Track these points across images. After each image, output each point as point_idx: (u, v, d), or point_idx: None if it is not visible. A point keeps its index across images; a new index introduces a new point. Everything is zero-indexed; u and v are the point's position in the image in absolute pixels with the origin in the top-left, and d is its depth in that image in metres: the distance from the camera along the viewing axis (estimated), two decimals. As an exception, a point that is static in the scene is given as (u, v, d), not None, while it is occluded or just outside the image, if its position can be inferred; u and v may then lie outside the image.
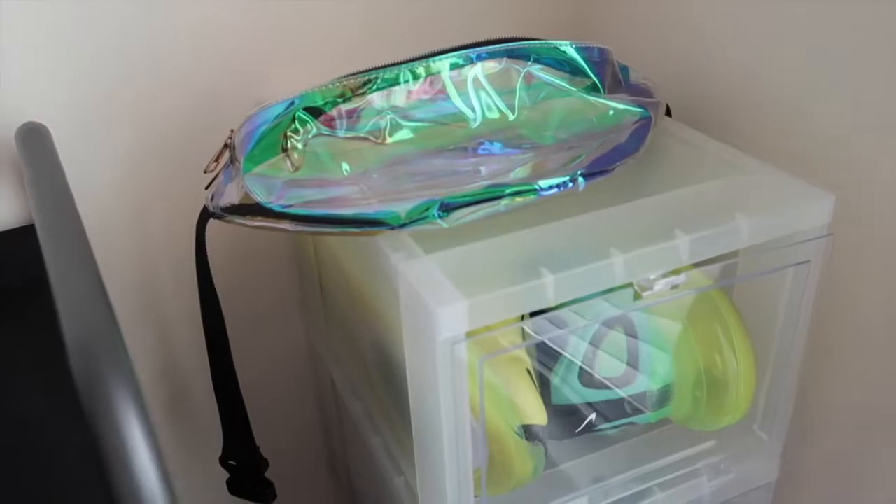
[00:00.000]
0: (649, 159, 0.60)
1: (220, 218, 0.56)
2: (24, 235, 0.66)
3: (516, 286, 0.46)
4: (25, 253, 0.63)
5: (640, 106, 0.59)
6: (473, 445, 0.51)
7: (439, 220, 0.50)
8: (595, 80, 0.59)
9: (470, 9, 0.78)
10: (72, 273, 0.41)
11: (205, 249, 0.61)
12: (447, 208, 0.50)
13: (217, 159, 0.58)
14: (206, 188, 0.58)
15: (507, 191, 0.50)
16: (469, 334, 0.46)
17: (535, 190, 0.50)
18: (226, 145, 0.58)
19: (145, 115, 0.69)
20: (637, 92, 0.63)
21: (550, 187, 0.51)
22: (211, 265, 0.62)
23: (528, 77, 0.58)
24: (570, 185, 0.51)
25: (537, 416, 0.54)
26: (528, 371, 0.55)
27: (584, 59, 0.59)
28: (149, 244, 0.74)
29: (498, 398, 0.53)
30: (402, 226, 0.50)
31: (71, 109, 0.66)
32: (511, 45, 0.58)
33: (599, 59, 0.60)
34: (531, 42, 0.58)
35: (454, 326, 0.45)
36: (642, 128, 0.58)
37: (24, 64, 0.63)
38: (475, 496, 0.52)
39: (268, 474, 0.73)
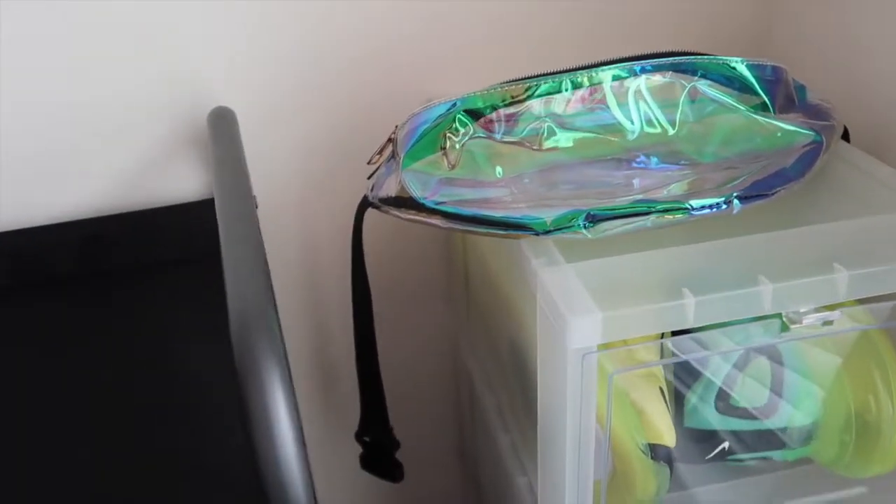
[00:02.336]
0: (817, 185, 0.57)
1: (377, 208, 0.59)
2: (207, 208, 0.73)
3: (655, 304, 0.45)
4: (208, 224, 0.70)
5: (811, 129, 0.56)
6: (597, 457, 0.51)
7: (584, 231, 0.50)
8: (765, 98, 0.57)
9: (642, 17, 0.77)
10: (239, 250, 0.45)
11: (360, 235, 0.65)
12: (593, 219, 0.50)
13: (381, 152, 0.61)
14: (368, 178, 0.61)
15: (657, 207, 0.49)
16: (603, 346, 0.46)
17: (687, 209, 0.50)
18: (389, 139, 0.60)
19: (321, 106, 0.73)
20: (812, 113, 0.60)
21: (703, 207, 0.50)
22: (366, 252, 0.65)
23: (693, 92, 0.57)
24: (724, 206, 0.50)
25: (665, 436, 0.53)
26: (662, 390, 0.55)
27: (754, 77, 0.57)
28: (312, 226, 0.79)
29: (627, 413, 0.53)
30: (547, 232, 0.50)
31: (258, 98, 0.71)
32: (678, 59, 0.57)
33: (772, 78, 0.58)
34: (700, 57, 0.57)
35: (587, 337, 0.45)
36: (811, 152, 0.55)
37: (224, 53, 0.69)
38: (594, 507, 0.53)
39: (400, 456, 0.76)
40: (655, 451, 0.53)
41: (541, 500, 0.57)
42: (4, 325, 0.66)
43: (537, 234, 0.50)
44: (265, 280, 0.43)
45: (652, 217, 0.50)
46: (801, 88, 0.62)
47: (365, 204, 0.61)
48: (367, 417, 0.75)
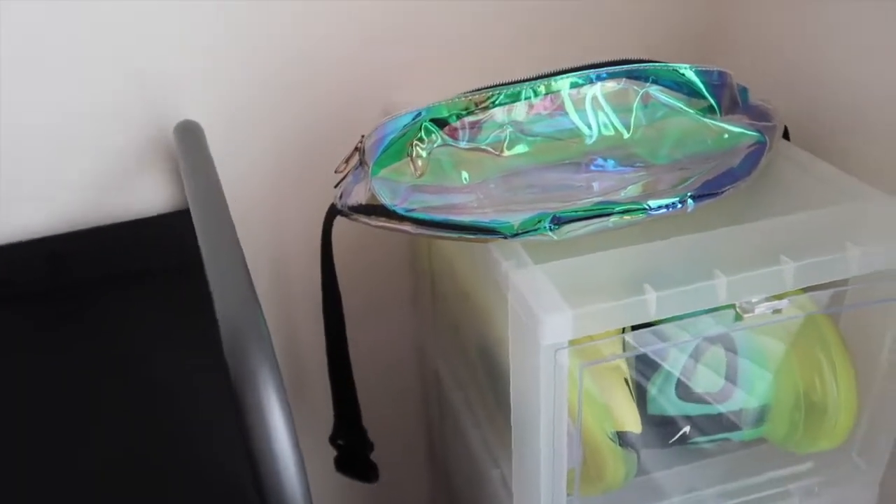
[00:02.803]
0: (762, 183, 0.61)
1: (346, 216, 0.61)
2: (177, 219, 0.73)
3: (620, 300, 0.48)
4: (179, 235, 0.70)
5: (755, 130, 0.60)
6: (569, 447, 0.53)
7: (550, 233, 0.53)
8: (712, 102, 0.61)
9: (601, 29, 0.81)
10: (222, 259, 0.47)
11: (330, 242, 0.66)
12: (558, 221, 0.53)
13: (347, 161, 0.63)
14: (335, 186, 0.63)
15: (617, 208, 0.53)
16: (572, 343, 0.49)
17: (644, 209, 0.53)
18: (356, 149, 0.62)
19: (286, 116, 0.75)
20: (755, 114, 0.64)
21: (659, 207, 0.53)
22: (336, 258, 0.67)
23: (646, 97, 0.60)
24: (679, 206, 0.53)
25: (631, 423, 0.56)
26: (626, 380, 0.58)
27: (702, 82, 0.61)
28: (283, 233, 0.80)
29: (595, 404, 0.56)
30: (515, 235, 0.53)
31: (223, 109, 0.72)
32: (631, 66, 0.60)
33: (718, 83, 0.61)
34: (651, 64, 0.60)
35: (558, 334, 0.48)
36: (756, 152, 0.59)
37: (185, 67, 0.70)
38: (567, 495, 0.55)
39: (372, 457, 0.78)
40: (623, 438, 0.56)
41: (515, 492, 0.60)
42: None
43: (505, 238, 0.53)
44: (250, 289, 0.45)
45: (613, 218, 0.53)
46: (744, 91, 0.66)
47: (333, 212, 0.63)
48: (341, 420, 0.77)
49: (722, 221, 0.55)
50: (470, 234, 0.55)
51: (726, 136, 0.60)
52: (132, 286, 0.71)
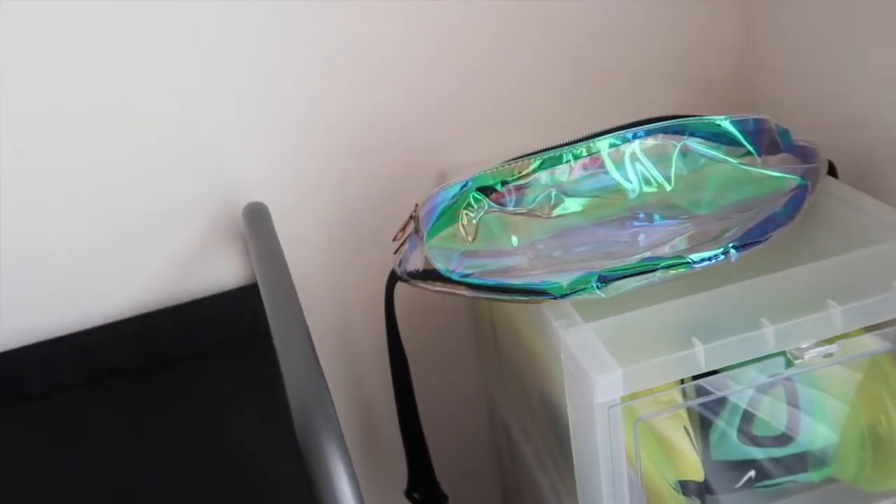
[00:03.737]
0: (808, 224, 0.62)
1: (405, 281, 0.64)
2: (250, 292, 0.78)
3: (668, 355, 0.50)
4: (252, 307, 0.75)
5: (796, 173, 0.61)
6: (632, 498, 0.55)
7: (598, 291, 0.55)
8: (750, 148, 0.62)
9: (633, 83, 0.83)
10: (290, 338, 0.51)
11: (393, 307, 0.70)
12: (605, 280, 0.55)
13: (403, 229, 0.67)
14: (395, 253, 0.67)
15: (661, 264, 0.54)
16: (626, 398, 0.51)
17: (688, 263, 0.54)
18: (411, 217, 0.66)
19: (344, 189, 0.79)
20: (799, 155, 0.65)
21: (703, 260, 0.55)
22: (398, 319, 0.71)
23: (684, 149, 0.62)
24: (722, 257, 0.55)
25: (693, 472, 0.57)
26: (686, 428, 0.59)
27: (739, 131, 0.62)
28: (347, 300, 0.84)
29: (656, 454, 0.57)
30: (564, 296, 0.55)
31: (288, 189, 0.77)
32: (667, 122, 0.62)
33: (755, 129, 0.63)
34: (687, 119, 0.62)
35: (610, 391, 0.50)
36: (798, 196, 0.60)
37: (254, 153, 0.75)
38: (635, 544, 0.57)
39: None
40: (686, 487, 0.57)
41: (585, 541, 0.61)
42: (74, 415, 0.72)
43: (555, 298, 0.55)
44: (317, 368, 0.48)
45: (658, 273, 0.55)
46: (785, 132, 0.67)
47: (394, 278, 0.66)
48: (415, 474, 0.79)
49: (768, 265, 0.57)
50: (522, 296, 0.57)
51: (767, 181, 0.61)
52: (211, 357, 0.76)
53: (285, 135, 0.76)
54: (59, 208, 0.72)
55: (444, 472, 0.83)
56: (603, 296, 0.55)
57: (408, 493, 0.81)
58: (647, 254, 0.57)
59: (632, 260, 0.56)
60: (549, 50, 0.80)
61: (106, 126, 0.70)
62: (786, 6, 0.78)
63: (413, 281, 0.64)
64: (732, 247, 0.55)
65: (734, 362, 0.51)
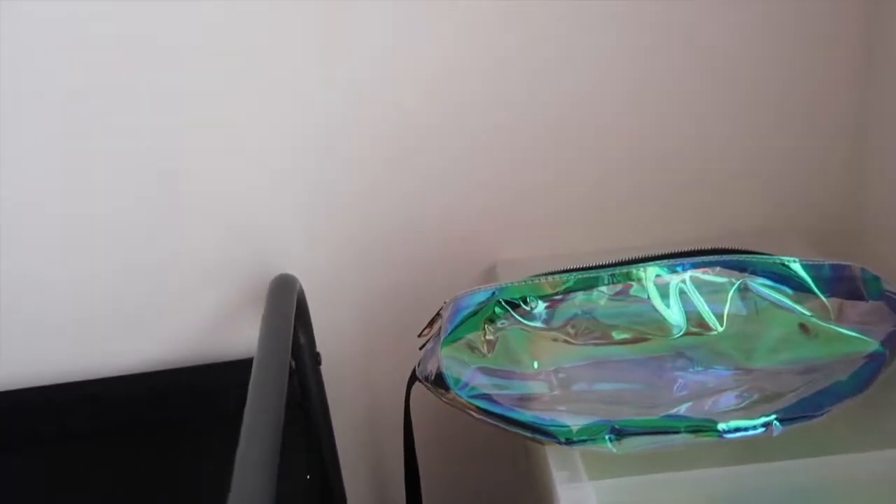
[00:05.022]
0: (891, 395, 0.53)
1: (423, 383, 0.59)
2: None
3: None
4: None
5: (874, 336, 0.53)
6: None
7: (609, 445, 0.48)
8: (823, 299, 0.54)
9: (717, 193, 0.75)
10: (256, 429, 0.47)
11: (409, 407, 0.65)
12: (620, 434, 0.48)
13: (430, 325, 0.62)
14: (420, 349, 0.62)
15: (686, 426, 0.47)
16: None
17: (717, 432, 0.47)
18: (438, 314, 0.61)
19: (382, 268, 0.75)
20: (884, 311, 0.56)
21: (736, 430, 0.47)
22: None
23: (744, 288, 0.54)
24: (762, 430, 0.47)
25: None
26: None
27: (811, 277, 0.54)
28: (374, 378, 0.80)
29: None
30: (571, 443, 0.49)
31: (323, 263, 0.74)
32: (727, 256, 0.55)
33: (832, 276, 0.55)
34: (751, 255, 0.55)
35: (597, 573, 0.42)
36: (871, 365, 0.51)
37: (291, 221, 0.73)
38: None
39: None
40: None
41: None
42: (72, 463, 0.71)
43: (561, 444, 0.49)
44: (270, 473, 0.43)
45: (680, 436, 0.47)
46: (875, 280, 0.58)
47: (413, 377, 0.61)
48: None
49: (818, 447, 0.48)
50: (528, 431, 0.51)
51: (837, 341, 0.53)
52: (221, 423, 0.73)
53: (324, 208, 0.73)
54: (86, 255, 0.71)
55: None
56: (615, 451, 0.48)
57: None
58: (678, 409, 0.50)
59: (654, 414, 0.48)
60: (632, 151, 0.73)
61: (146, 181, 0.70)
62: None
63: (428, 385, 0.58)
64: (777, 419, 0.47)
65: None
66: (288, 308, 0.65)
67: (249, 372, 0.74)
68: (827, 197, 0.76)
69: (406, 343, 0.78)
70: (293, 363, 0.78)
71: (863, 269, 0.57)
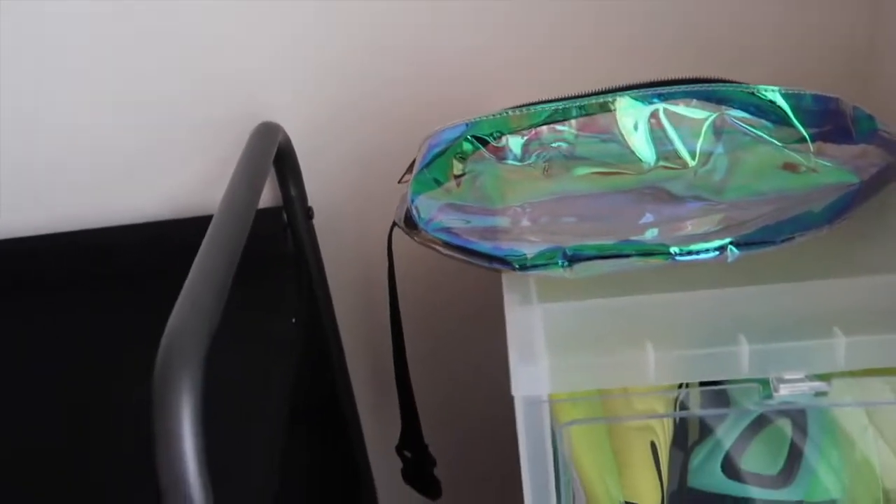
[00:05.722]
0: (865, 230, 0.50)
1: (398, 226, 0.59)
2: (269, 216, 0.76)
3: (609, 357, 0.42)
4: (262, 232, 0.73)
5: (854, 169, 0.50)
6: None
7: (562, 270, 0.47)
8: (802, 131, 0.51)
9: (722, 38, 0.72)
10: (206, 265, 0.47)
11: (391, 252, 0.64)
12: (571, 259, 0.47)
13: (409, 170, 0.61)
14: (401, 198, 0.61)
15: (634, 249, 0.46)
16: (556, 396, 0.44)
17: (668, 254, 0.46)
18: (415, 158, 0.60)
19: (374, 116, 0.74)
20: (881, 147, 0.53)
21: (688, 253, 0.46)
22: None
23: (720, 122, 0.52)
24: (716, 254, 0.45)
25: (646, 495, 0.49)
26: (654, 444, 0.51)
27: (791, 107, 0.51)
28: (366, 231, 0.80)
29: (606, 466, 0.49)
30: (525, 268, 0.48)
31: (311, 111, 0.74)
32: (702, 86, 0.52)
33: (815, 109, 0.52)
34: (727, 85, 0.52)
35: (533, 386, 0.42)
36: (846, 197, 0.49)
37: (275, 66, 0.72)
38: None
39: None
40: (635, 510, 0.49)
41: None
42: (74, 309, 0.73)
43: (515, 270, 0.48)
44: (213, 307, 0.44)
45: (632, 259, 0.46)
46: (868, 119, 0.55)
47: (394, 223, 0.61)
48: (406, 432, 0.75)
49: (784, 272, 0.46)
50: (485, 262, 0.51)
51: (812, 174, 0.50)
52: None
53: (311, 51, 0.72)
54: (74, 107, 0.72)
55: (442, 439, 0.78)
56: (567, 276, 0.47)
57: (398, 449, 0.77)
58: (642, 236, 0.49)
59: (607, 240, 0.47)
60: None
61: (128, 33, 0.69)
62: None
63: (403, 228, 0.58)
64: (733, 244, 0.46)
65: (691, 380, 0.43)
66: (265, 153, 0.65)
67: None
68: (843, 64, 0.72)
69: (398, 196, 0.77)
70: (286, 216, 0.78)
71: (855, 108, 0.54)
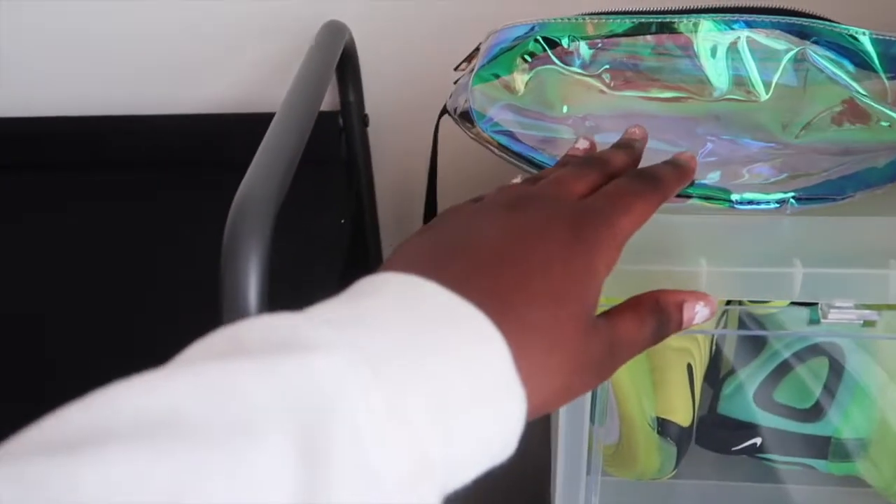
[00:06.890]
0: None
1: (451, 116, 0.59)
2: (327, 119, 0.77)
3: (661, 266, 0.43)
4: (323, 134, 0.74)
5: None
6: (609, 424, 0.49)
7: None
8: (884, 78, 0.50)
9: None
10: (276, 149, 0.48)
11: (437, 137, 0.64)
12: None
13: (469, 60, 0.60)
14: (455, 83, 0.61)
15: (696, 192, 0.46)
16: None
17: (729, 202, 0.46)
18: (477, 49, 0.60)
19: (435, 22, 0.74)
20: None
21: (749, 203, 0.46)
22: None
23: (801, 56, 0.51)
24: (776, 206, 0.46)
25: (678, 414, 0.50)
26: (690, 366, 0.51)
27: (878, 54, 0.50)
28: (419, 151, 0.80)
29: (643, 384, 0.50)
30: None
31: (374, 13, 0.74)
32: (791, 19, 0.51)
33: (904, 56, 0.51)
34: (817, 21, 0.51)
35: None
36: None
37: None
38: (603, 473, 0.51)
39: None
40: (664, 427, 0.50)
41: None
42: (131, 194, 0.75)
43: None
44: (281, 180, 0.45)
45: (692, 201, 0.46)
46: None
47: (443, 110, 0.61)
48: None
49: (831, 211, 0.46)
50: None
51: (885, 124, 0.49)
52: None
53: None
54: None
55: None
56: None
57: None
58: (703, 178, 0.49)
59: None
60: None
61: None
62: None
63: (455, 118, 0.58)
64: (794, 198, 0.46)
65: (745, 297, 0.43)
66: (331, 53, 0.65)
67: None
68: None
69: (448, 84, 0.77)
70: (342, 121, 0.79)
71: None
